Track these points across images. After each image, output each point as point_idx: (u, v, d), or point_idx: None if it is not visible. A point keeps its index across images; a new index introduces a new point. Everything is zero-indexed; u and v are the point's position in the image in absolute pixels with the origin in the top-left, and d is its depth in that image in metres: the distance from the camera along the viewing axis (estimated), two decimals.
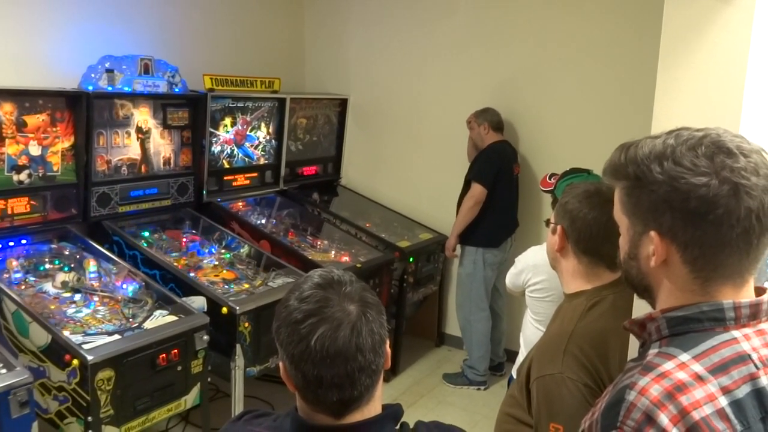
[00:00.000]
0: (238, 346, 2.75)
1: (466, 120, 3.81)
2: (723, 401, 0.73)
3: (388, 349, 0.97)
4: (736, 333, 0.79)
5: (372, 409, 0.97)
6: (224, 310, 2.72)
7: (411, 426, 1.02)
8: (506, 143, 3.76)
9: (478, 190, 3.60)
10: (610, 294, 1.37)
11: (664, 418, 0.71)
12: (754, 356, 0.77)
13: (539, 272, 2.22)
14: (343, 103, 4.55)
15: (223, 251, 3.39)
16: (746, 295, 0.81)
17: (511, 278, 2.40)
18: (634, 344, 1.11)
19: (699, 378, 0.74)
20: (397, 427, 1.00)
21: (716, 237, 0.77)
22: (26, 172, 2.82)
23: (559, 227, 1.43)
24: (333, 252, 3.71)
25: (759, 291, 0.83)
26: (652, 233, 0.81)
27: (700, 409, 0.72)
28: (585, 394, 1.24)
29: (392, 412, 1.00)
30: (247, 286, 3.04)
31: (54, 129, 2.89)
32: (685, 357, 0.77)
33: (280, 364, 0.96)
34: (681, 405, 0.72)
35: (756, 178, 0.76)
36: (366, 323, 0.92)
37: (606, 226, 1.28)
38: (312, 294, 0.93)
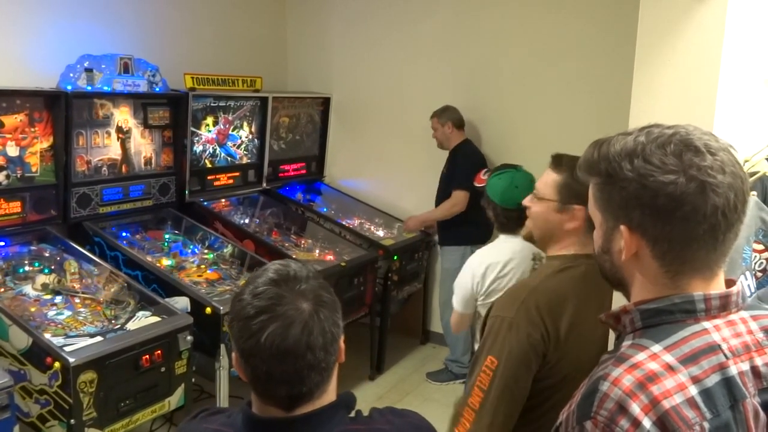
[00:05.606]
0: (222, 346, 2.74)
1: (432, 126, 3.84)
2: (693, 390, 0.75)
3: (342, 345, 0.98)
4: (706, 324, 0.81)
5: (324, 400, 0.98)
6: (208, 310, 2.71)
7: (365, 413, 1.03)
8: (472, 143, 3.85)
9: (463, 197, 3.64)
10: (585, 263, 1.46)
11: (635, 408, 0.73)
12: (724, 346, 0.79)
13: (504, 259, 2.17)
14: (325, 102, 4.55)
15: (206, 251, 3.38)
16: (716, 288, 0.83)
17: (463, 290, 2.21)
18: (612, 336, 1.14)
19: (670, 368, 0.76)
20: (352, 414, 1.01)
21: (684, 232, 0.79)
22: (4, 173, 2.78)
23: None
24: (317, 251, 3.71)
25: (729, 283, 0.85)
26: (622, 228, 0.83)
27: (670, 398, 0.73)
28: (529, 343, 1.37)
29: (344, 400, 1.01)
30: (230, 286, 3.03)
31: (32, 129, 2.85)
32: (656, 348, 0.78)
33: (233, 354, 0.97)
34: (652, 394, 0.74)
35: (722, 176, 0.77)
36: (318, 322, 0.92)
37: None
38: (265, 290, 0.93)
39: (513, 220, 2.17)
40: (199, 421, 1.05)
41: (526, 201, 1.62)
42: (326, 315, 0.94)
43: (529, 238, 1.69)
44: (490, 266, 2.17)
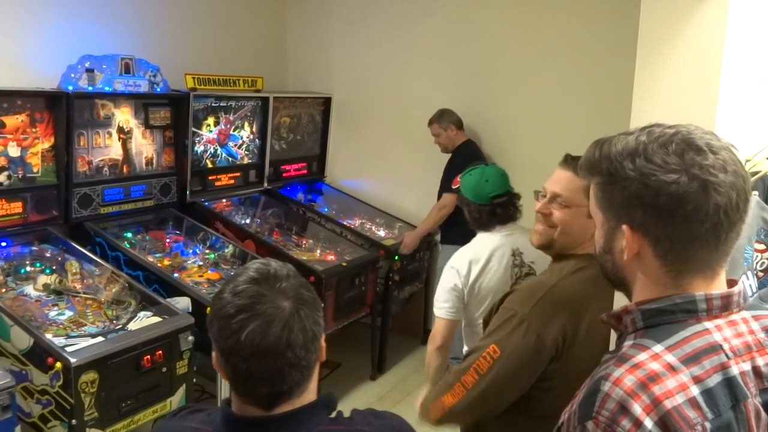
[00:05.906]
0: None
1: (432, 133, 3.84)
2: (694, 390, 0.75)
3: (323, 343, 0.98)
4: (708, 324, 0.81)
5: (304, 400, 0.98)
6: (209, 310, 2.70)
7: (346, 414, 1.03)
8: (473, 143, 3.84)
9: (450, 199, 3.63)
10: (597, 264, 1.42)
11: (637, 408, 0.73)
12: (726, 346, 0.79)
13: (484, 256, 2.14)
14: (326, 102, 4.55)
15: (207, 251, 3.38)
16: (718, 287, 0.83)
17: (452, 292, 2.13)
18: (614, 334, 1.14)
19: (671, 368, 0.76)
20: (333, 415, 1.01)
21: (686, 232, 0.79)
22: (5, 173, 2.78)
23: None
24: (318, 251, 3.72)
25: (730, 283, 0.85)
26: (624, 227, 0.82)
27: (672, 398, 0.73)
28: (536, 344, 1.34)
29: (324, 400, 1.01)
30: None
31: (33, 130, 2.86)
32: (658, 348, 0.78)
33: (213, 354, 0.97)
34: (654, 394, 0.73)
35: (724, 174, 0.77)
36: (298, 320, 0.92)
37: None
38: (246, 289, 0.93)
39: (486, 215, 2.16)
40: (179, 419, 1.05)
41: (542, 207, 1.55)
42: (307, 313, 0.94)
43: (546, 246, 1.57)
44: (473, 261, 2.14)
